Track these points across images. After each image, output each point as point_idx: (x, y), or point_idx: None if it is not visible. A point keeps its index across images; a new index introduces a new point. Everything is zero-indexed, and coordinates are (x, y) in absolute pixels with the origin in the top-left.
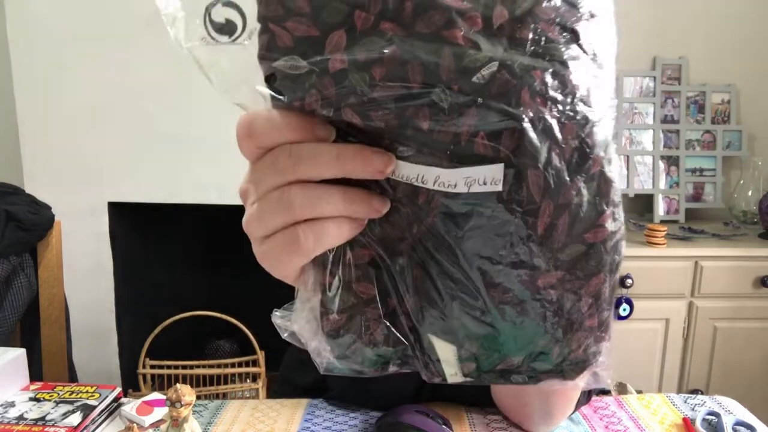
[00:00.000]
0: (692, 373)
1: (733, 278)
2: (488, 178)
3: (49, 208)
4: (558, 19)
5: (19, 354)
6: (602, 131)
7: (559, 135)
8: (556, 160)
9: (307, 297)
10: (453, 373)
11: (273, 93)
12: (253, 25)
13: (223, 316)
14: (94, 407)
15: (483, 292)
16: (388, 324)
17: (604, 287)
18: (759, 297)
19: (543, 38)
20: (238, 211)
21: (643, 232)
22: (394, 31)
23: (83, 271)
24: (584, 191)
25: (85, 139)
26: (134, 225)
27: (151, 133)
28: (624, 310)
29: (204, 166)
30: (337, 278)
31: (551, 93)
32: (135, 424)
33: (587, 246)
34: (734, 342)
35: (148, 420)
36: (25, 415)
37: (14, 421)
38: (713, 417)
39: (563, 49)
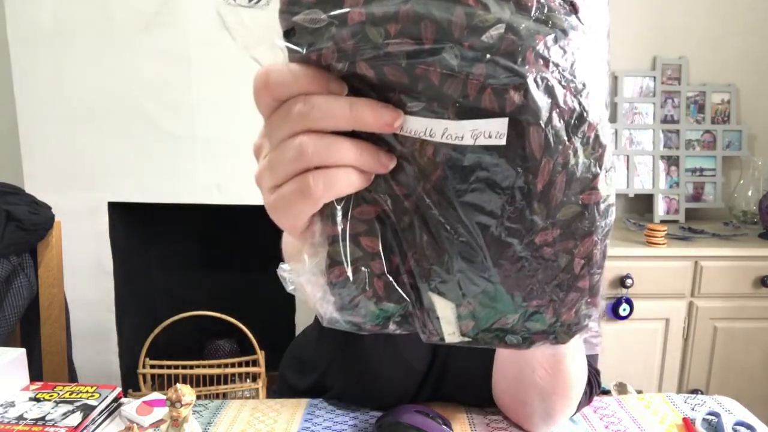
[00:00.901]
0: (692, 373)
1: (733, 278)
2: (493, 131)
3: (49, 208)
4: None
5: (19, 354)
6: (598, 98)
7: (559, 96)
8: (556, 120)
9: (314, 250)
10: (451, 332)
11: (291, 46)
12: None
13: (223, 316)
14: (94, 407)
15: (483, 247)
16: (391, 279)
17: (596, 250)
18: (759, 297)
19: (546, 7)
20: (238, 211)
21: (643, 232)
22: None
23: (83, 271)
24: (580, 153)
25: (85, 139)
26: (134, 225)
27: (151, 133)
28: (624, 310)
29: (204, 166)
30: (344, 231)
31: (553, 57)
32: (135, 424)
33: (582, 207)
34: (734, 342)
35: (148, 420)
36: (25, 415)
37: (14, 421)
38: (713, 417)
39: (564, 18)
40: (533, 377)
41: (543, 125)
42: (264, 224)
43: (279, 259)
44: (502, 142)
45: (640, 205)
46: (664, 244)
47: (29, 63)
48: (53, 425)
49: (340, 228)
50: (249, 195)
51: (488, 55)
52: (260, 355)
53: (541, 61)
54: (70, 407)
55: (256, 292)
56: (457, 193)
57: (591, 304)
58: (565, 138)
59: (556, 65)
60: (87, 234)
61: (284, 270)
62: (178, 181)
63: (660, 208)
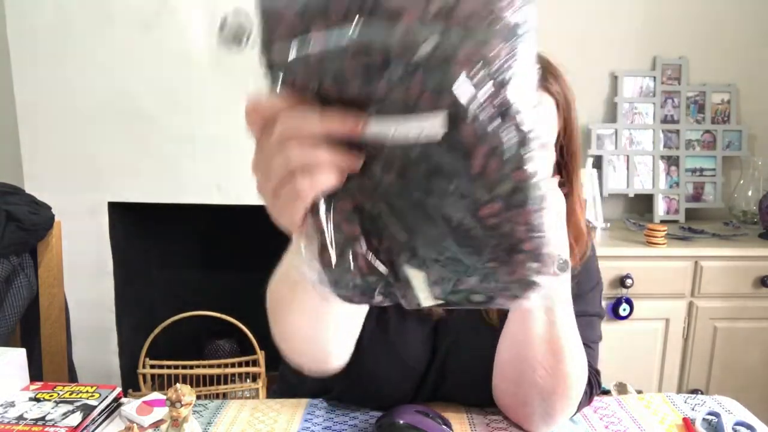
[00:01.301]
0: (692, 373)
1: (733, 278)
2: (434, 127)
3: (49, 208)
4: (481, 7)
5: (19, 354)
6: (522, 90)
7: (485, 92)
8: (483, 113)
9: (308, 240)
10: (425, 297)
11: (273, 77)
12: (254, 35)
13: (223, 316)
14: (94, 407)
15: (440, 222)
16: (371, 258)
17: (534, 217)
18: (759, 297)
19: (469, 21)
20: (238, 211)
21: (643, 232)
22: (359, 19)
23: (83, 271)
24: (505, 140)
25: (85, 139)
26: (134, 225)
27: (151, 133)
28: (624, 310)
29: (204, 166)
30: (329, 222)
31: (477, 63)
32: (135, 424)
33: (515, 183)
34: (734, 342)
35: (148, 420)
36: (25, 415)
37: (14, 421)
38: (713, 417)
39: (486, 30)
40: (534, 377)
41: (473, 118)
42: (264, 224)
43: (279, 258)
44: (442, 133)
45: (640, 205)
46: (664, 244)
47: (29, 63)
48: (53, 425)
49: (325, 219)
50: (249, 195)
51: (424, 65)
52: (260, 355)
53: (468, 67)
54: (70, 407)
55: (256, 292)
56: (414, 180)
57: (541, 267)
58: (493, 127)
59: (480, 69)
60: (87, 234)
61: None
62: (178, 181)
63: (660, 208)
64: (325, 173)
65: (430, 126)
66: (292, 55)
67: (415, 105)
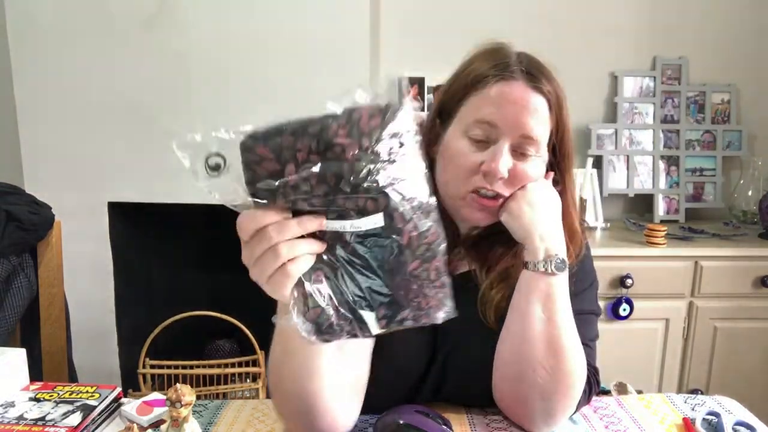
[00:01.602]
0: (692, 373)
1: (733, 278)
2: (377, 221)
3: (49, 208)
4: (390, 137)
5: (19, 354)
6: (420, 186)
7: (402, 198)
8: (406, 206)
9: (294, 303)
10: (375, 329)
11: (258, 200)
12: (230, 164)
13: (223, 316)
14: (94, 407)
15: (383, 277)
16: (340, 309)
17: (439, 264)
18: (759, 297)
19: (387, 149)
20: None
21: (643, 232)
22: (317, 158)
23: (83, 271)
24: (419, 224)
25: (85, 139)
26: (134, 225)
27: (151, 133)
28: (624, 310)
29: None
30: (307, 288)
31: (393, 174)
32: (135, 424)
33: (425, 246)
34: (734, 342)
35: (148, 420)
36: (25, 415)
37: (14, 421)
38: (713, 417)
39: (396, 151)
40: (534, 377)
41: (400, 210)
42: None
43: None
44: (382, 224)
45: (640, 205)
46: (664, 244)
47: (29, 63)
48: (53, 425)
49: (306, 288)
50: None
51: (365, 183)
52: (260, 355)
53: (390, 178)
54: (70, 407)
55: (257, 292)
56: (364, 253)
57: (445, 295)
58: (411, 214)
59: (395, 179)
60: (87, 234)
61: (279, 319)
62: (178, 181)
63: (660, 208)
64: (304, 258)
65: (375, 220)
66: (274, 185)
67: (362, 208)
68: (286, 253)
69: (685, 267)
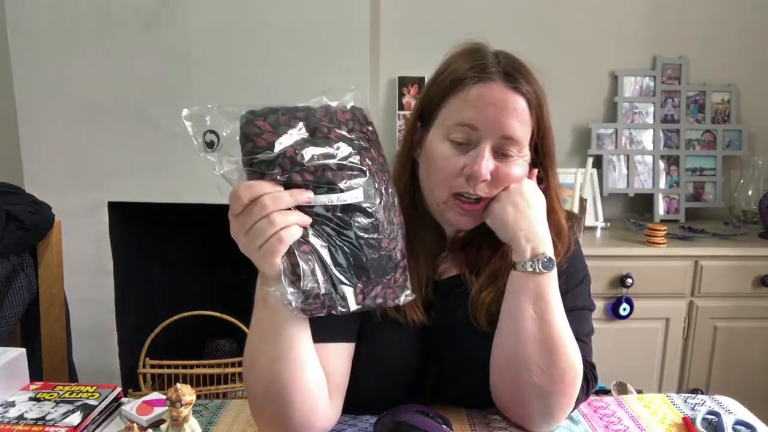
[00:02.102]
0: (692, 373)
1: (733, 278)
2: (358, 195)
3: (49, 208)
4: (358, 125)
5: (19, 354)
6: (383, 182)
7: (374, 180)
8: (381, 188)
9: (284, 273)
10: (353, 304)
11: (254, 171)
12: (224, 139)
13: (223, 316)
14: (94, 407)
15: (362, 251)
16: (324, 282)
17: (402, 247)
18: (759, 297)
19: (357, 137)
20: None
21: (643, 232)
22: (308, 136)
23: (83, 271)
24: (389, 203)
25: (85, 139)
26: (134, 225)
27: (151, 133)
28: (624, 309)
29: (204, 166)
30: (296, 259)
31: (370, 159)
32: (135, 424)
33: (397, 227)
34: (734, 342)
35: (148, 420)
36: (25, 415)
37: (14, 421)
38: (713, 417)
39: (366, 141)
40: (530, 377)
41: (376, 188)
42: None
43: None
44: (362, 198)
45: (640, 205)
46: (664, 243)
47: (29, 63)
48: (53, 425)
49: (297, 257)
50: None
51: (347, 161)
52: None
53: (368, 161)
54: (70, 407)
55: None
56: (347, 226)
57: (405, 276)
58: (385, 195)
59: (368, 161)
60: (87, 234)
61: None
62: (178, 181)
63: (660, 208)
64: (295, 228)
65: (357, 195)
66: (273, 155)
67: (348, 183)
68: (281, 221)
69: (685, 267)
